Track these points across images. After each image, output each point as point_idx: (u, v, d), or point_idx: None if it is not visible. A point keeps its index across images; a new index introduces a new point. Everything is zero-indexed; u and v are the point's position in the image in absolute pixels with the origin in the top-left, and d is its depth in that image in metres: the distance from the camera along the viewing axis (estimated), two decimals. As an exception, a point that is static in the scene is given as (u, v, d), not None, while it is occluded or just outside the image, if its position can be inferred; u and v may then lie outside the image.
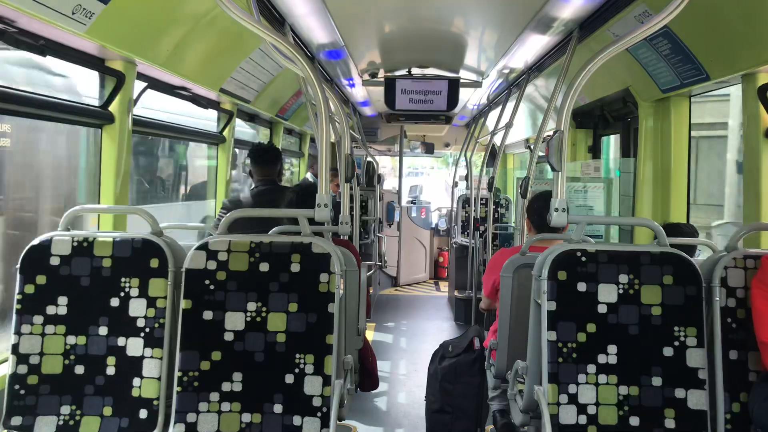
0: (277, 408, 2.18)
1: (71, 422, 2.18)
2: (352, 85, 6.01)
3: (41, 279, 2.25)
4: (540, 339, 2.21)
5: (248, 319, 2.23)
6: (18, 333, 2.22)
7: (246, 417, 2.18)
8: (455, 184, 8.58)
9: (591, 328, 2.19)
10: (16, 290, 2.23)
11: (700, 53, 2.90)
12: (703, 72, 2.96)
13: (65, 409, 2.20)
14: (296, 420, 2.17)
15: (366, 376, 3.41)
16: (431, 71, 5.38)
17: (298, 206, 3.19)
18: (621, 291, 2.21)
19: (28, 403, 2.19)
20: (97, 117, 2.83)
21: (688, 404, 2.14)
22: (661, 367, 2.17)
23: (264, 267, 2.26)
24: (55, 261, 2.27)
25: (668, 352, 2.18)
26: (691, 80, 3.12)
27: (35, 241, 2.28)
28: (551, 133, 2.42)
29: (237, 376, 2.20)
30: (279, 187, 3.91)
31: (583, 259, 2.22)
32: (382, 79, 5.25)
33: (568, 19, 3.33)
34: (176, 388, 2.19)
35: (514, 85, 5.28)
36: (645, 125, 3.80)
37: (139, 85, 3.10)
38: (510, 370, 2.75)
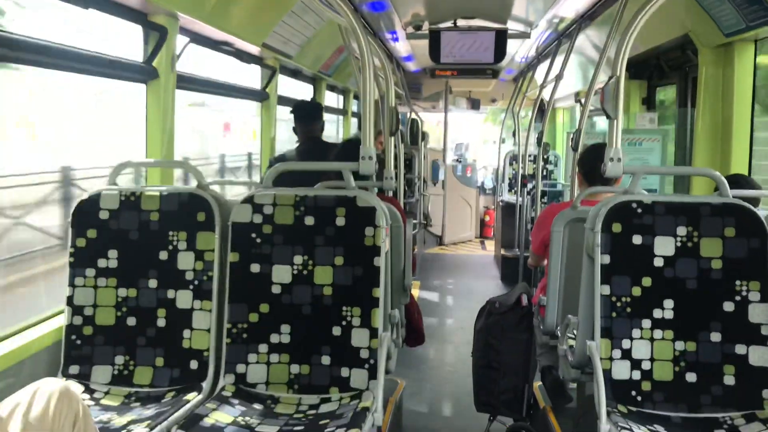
0: (325, 359, 2.19)
1: (125, 372, 2.24)
2: (396, 39, 5.88)
3: (92, 233, 2.29)
4: (593, 293, 2.14)
5: (295, 272, 2.23)
6: (72, 285, 2.27)
7: (294, 368, 2.20)
8: (502, 141, 8.41)
9: (646, 282, 2.11)
10: (69, 243, 2.28)
11: (768, -8, 2.71)
12: (771, 12, 2.77)
13: (119, 359, 2.25)
14: (344, 371, 2.18)
15: (412, 332, 3.41)
16: (477, 22, 5.21)
17: (343, 160, 3.16)
18: (679, 244, 2.11)
19: (85, 353, 2.25)
20: (141, 72, 2.83)
21: (749, 360, 2.05)
22: (720, 322, 2.08)
23: (309, 221, 2.25)
24: (104, 215, 2.30)
25: (729, 307, 2.08)
26: (757, 22, 2.92)
27: (84, 196, 2.31)
28: (603, 83, 2.31)
29: (285, 328, 2.22)
30: (324, 143, 3.90)
31: (639, 210, 2.13)
32: (427, 32, 5.12)
33: (624, -39, 3.15)
34: (225, 340, 2.21)
35: (564, 35, 5.08)
36: (705, 73, 3.60)
37: (182, 40, 3.08)
38: (560, 326, 2.70)
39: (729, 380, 2.05)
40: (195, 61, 3.35)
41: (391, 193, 3.48)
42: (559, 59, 5.05)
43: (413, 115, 8.26)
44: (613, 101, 2.23)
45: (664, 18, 3.61)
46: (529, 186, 6.26)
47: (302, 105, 3.98)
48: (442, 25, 5.19)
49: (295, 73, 5.14)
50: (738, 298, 2.08)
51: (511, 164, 7.48)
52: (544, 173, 7.01)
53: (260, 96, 4.42)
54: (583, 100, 3.95)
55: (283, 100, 4.73)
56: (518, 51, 6.69)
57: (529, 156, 6.42)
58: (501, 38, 5.05)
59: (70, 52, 2.42)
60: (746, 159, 3.53)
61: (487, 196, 9.83)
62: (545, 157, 6.98)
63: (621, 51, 2.28)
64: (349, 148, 3.25)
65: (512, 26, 5.27)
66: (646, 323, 2.09)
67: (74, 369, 2.24)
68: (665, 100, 5.03)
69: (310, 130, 3.92)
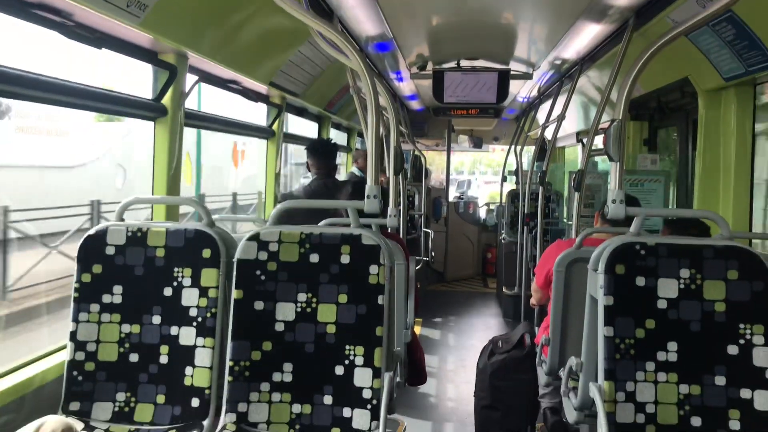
0: (327, 399, 2.17)
1: (126, 409, 2.22)
2: (400, 79, 5.97)
3: (97, 268, 2.30)
4: (596, 335, 2.14)
5: (298, 309, 2.23)
6: (76, 320, 2.27)
7: (296, 407, 2.18)
8: (504, 179, 8.46)
9: (650, 324, 2.10)
10: (74, 279, 2.28)
11: (767, 38, 2.76)
12: (770, 58, 2.82)
13: (120, 396, 2.24)
14: (346, 412, 2.16)
15: (414, 371, 3.39)
16: (480, 63, 5.29)
17: (351, 198, 3.19)
18: (682, 286, 2.12)
19: (86, 389, 2.24)
20: (150, 110, 2.88)
21: (754, 405, 2.03)
22: (724, 365, 2.07)
23: (314, 258, 2.26)
24: (110, 251, 2.31)
25: (733, 350, 2.08)
26: (756, 67, 2.97)
27: (92, 231, 2.32)
28: (607, 124, 2.35)
29: (287, 366, 2.21)
30: (336, 180, 3.95)
31: (642, 252, 2.14)
32: (431, 72, 5.19)
33: (624, 6, 3.22)
34: (227, 378, 2.20)
35: (566, 76, 5.16)
36: (705, 116, 3.65)
37: (190, 78, 3.13)
38: (563, 366, 2.69)
39: (734, 425, 2.03)
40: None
41: (393, 229, 3.50)
42: (561, 99, 5.12)
43: (416, 152, 8.34)
44: (616, 144, 2.26)
45: (664, 61, 3.68)
46: (532, 224, 6.28)
47: (318, 142, 4.04)
48: (446, 66, 5.27)
49: (301, 111, 5.21)
50: (742, 341, 2.07)
51: (512, 202, 7.51)
52: (546, 212, 7.03)
53: (267, 133, 4.47)
54: (585, 140, 4.00)
55: (288, 137, 4.79)
56: (520, 91, 6.78)
57: (531, 194, 6.45)
58: (503, 79, 5.11)
59: (80, 90, 2.46)
60: (747, 200, 3.55)
61: (489, 233, 9.84)
62: (547, 195, 7.02)
63: (623, 95, 2.32)
64: (358, 186, 3.29)
65: (515, 67, 5.35)
66: (650, 366, 2.08)
67: (75, 405, 2.22)
68: (668, 140, 5.09)
69: (324, 166, 3.97)
